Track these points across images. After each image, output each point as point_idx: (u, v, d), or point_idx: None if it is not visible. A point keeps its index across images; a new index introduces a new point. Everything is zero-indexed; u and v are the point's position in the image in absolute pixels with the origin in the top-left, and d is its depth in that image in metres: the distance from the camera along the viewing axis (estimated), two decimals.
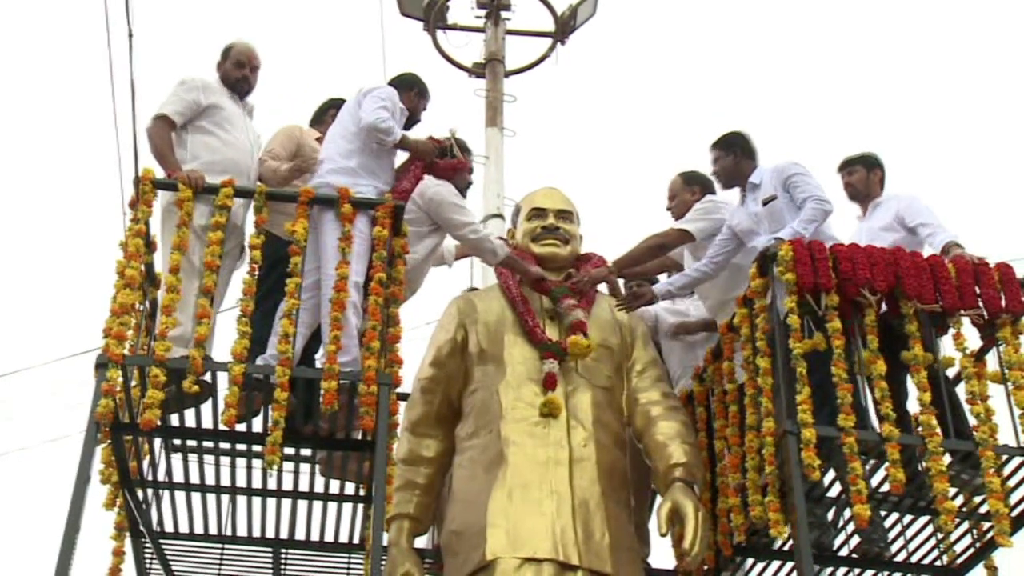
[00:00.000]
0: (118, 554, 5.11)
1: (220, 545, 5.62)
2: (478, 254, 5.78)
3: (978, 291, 5.07)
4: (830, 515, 5.40)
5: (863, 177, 5.94)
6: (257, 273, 4.99)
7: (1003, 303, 5.04)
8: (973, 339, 5.12)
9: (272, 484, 5.33)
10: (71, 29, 18.03)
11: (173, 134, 5.40)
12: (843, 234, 5.64)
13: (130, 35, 5.58)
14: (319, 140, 5.77)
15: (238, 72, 5.66)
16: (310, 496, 5.36)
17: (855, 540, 5.42)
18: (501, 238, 5.84)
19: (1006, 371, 4.95)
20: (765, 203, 5.55)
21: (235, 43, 5.75)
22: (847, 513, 5.24)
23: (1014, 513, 4.89)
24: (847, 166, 6.00)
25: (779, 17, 21.01)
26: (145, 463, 5.26)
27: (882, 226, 5.70)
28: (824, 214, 5.41)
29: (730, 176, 5.79)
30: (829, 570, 5.53)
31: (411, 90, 5.75)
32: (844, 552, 5.47)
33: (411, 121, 5.77)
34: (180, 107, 5.40)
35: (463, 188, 5.85)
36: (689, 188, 6.14)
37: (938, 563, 5.36)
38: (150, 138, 5.35)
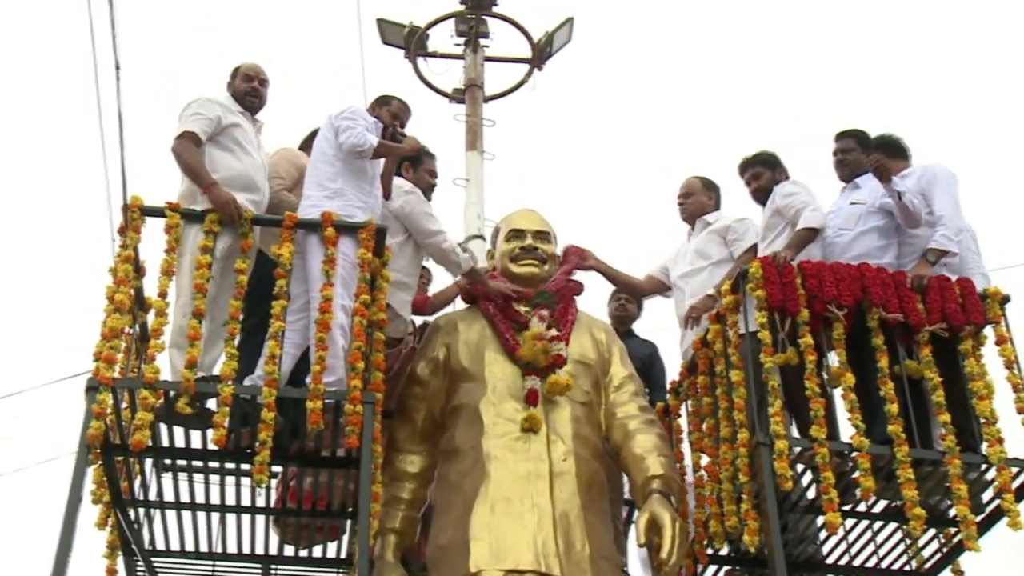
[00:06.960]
0: (111, 572, 5.20)
1: (211, 562, 5.70)
2: (444, 264, 5.78)
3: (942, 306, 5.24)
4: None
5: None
6: (242, 297, 5.10)
7: (965, 317, 5.22)
8: None
9: (260, 502, 5.45)
10: (60, 61, 18.17)
11: None
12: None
13: (117, 67, 5.75)
14: None
15: (247, 85, 5.70)
16: (298, 512, 5.47)
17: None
18: (465, 248, 5.88)
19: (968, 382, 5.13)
20: (853, 203, 5.65)
21: (243, 62, 5.82)
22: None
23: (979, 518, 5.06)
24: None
25: (750, 40, 21.30)
26: (136, 483, 5.37)
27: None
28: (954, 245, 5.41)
29: (854, 170, 5.83)
30: None
31: (372, 104, 5.86)
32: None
33: (389, 134, 5.86)
34: (203, 124, 5.40)
35: (426, 189, 5.88)
36: (707, 192, 6.24)
37: (907, 568, 5.52)
38: (178, 156, 5.33)
